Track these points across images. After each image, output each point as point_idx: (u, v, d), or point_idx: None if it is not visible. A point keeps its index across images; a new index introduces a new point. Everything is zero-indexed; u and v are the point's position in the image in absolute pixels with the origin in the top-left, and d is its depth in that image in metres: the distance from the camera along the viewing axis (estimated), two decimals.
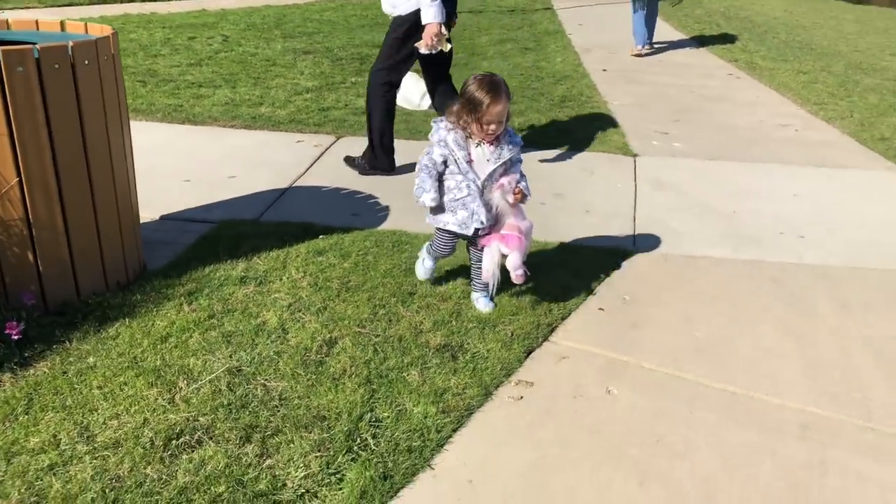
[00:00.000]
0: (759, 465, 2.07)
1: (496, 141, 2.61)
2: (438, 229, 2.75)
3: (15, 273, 2.53)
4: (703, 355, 2.59)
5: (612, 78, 7.12)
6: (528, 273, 2.66)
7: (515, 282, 2.68)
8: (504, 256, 2.60)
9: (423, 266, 2.93)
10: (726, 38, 9.68)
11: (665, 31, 10.31)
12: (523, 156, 2.80)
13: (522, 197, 2.62)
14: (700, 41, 9.39)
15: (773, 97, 6.56)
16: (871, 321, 2.85)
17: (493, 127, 2.54)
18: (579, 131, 5.24)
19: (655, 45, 8.58)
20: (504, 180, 2.61)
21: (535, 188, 4.05)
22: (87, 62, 2.54)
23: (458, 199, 2.63)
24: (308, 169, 4.38)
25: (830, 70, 7.81)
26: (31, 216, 2.51)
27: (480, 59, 7.84)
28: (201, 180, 4.08)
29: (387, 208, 3.83)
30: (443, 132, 2.62)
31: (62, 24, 2.93)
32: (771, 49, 9.10)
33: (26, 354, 2.36)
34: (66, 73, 2.47)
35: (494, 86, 2.51)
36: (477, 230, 2.65)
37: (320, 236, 3.38)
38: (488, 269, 2.63)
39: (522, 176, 2.70)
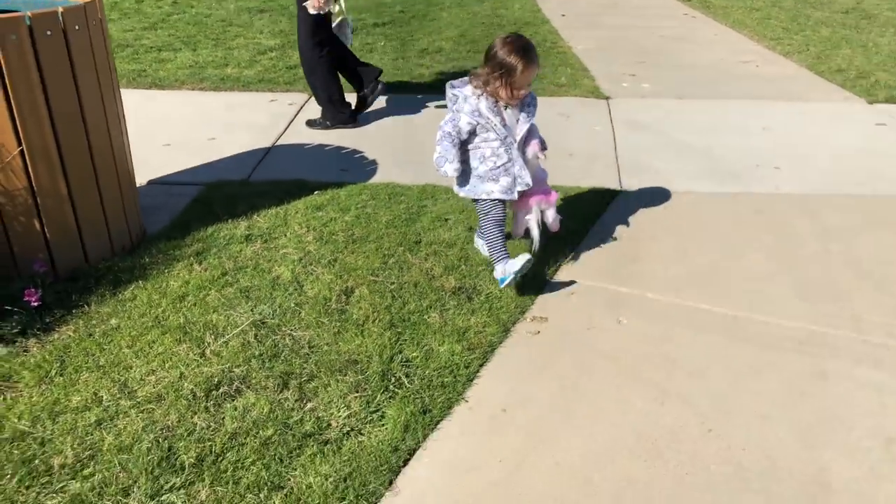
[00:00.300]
0: (767, 379, 2.25)
1: (513, 103, 2.54)
2: (481, 200, 2.62)
3: (23, 242, 2.52)
4: (701, 283, 2.75)
5: (572, 23, 7.18)
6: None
7: (554, 230, 2.76)
8: (542, 211, 2.67)
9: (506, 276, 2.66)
10: None
11: None
12: None
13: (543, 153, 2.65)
14: None
15: (730, 35, 6.73)
16: (852, 243, 3.05)
17: (523, 91, 2.49)
18: (549, 77, 5.32)
19: None
20: (534, 141, 2.62)
21: None
22: (77, 27, 2.50)
23: (499, 167, 2.55)
24: (287, 128, 4.37)
25: (781, 5, 8.01)
26: (34, 184, 2.50)
27: (438, 10, 7.78)
28: (181, 144, 4.04)
29: (374, 162, 3.87)
30: (473, 101, 2.49)
31: None
32: None
33: (47, 320, 2.38)
34: (58, 39, 2.44)
35: (527, 50, 2.42)
36: (519, 192, 2.61)
37: (315, 192, 3.42)
38: (535, 226, 2.67)
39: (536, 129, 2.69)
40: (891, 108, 4.74)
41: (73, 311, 2.45)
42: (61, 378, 2.14)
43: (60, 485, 1.77)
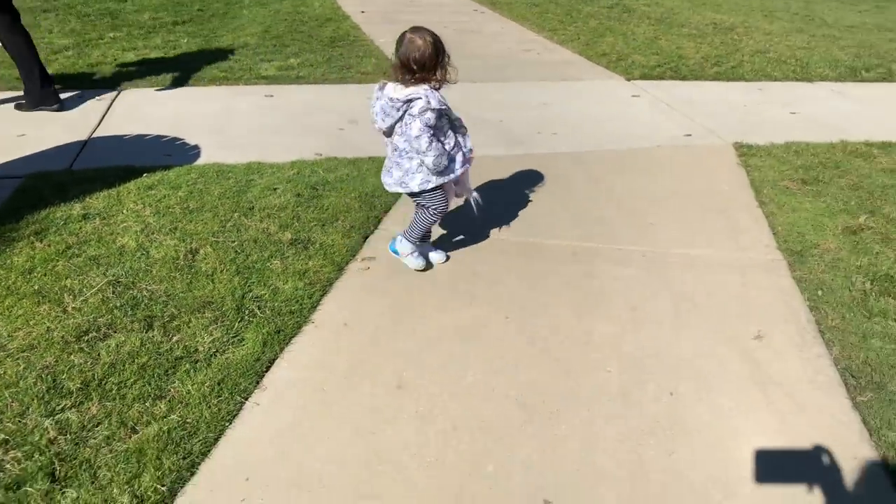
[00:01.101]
0: (550, 282, 2.95)
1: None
2: (432, 190, 2.80)
3: None
4: (499, 221, 3.42)
5: (371, 18, 7.81)
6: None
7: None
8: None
9: (418, 258, 2.99)
10: None
11: None
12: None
13: None
14: None
15: (514, 27, 7.70)
16: (612, 184, 3.90)
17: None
18: (356, 66, 5.89)
19: None
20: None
21: (332, 118, 4.68)
22: None
23: (454, 146, 2.79)
24: (101, 121, 4.55)
25: (557, 2, 9.20)
26: None
27: (238, 8, 8.08)
28: None
29: (196, 146, 4.19)
30: (437, 95, 2.65)
31: None
32: None
33: None
34: None
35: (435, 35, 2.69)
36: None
37: (143, 175, 3.71)
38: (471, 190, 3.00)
39: None
40: (644, 83, 5.82)
41: None
42: None
43: None
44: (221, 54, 6.12)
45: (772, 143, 4.52)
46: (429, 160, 2.69)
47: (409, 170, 2.75)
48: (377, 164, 3.98)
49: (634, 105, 5.28)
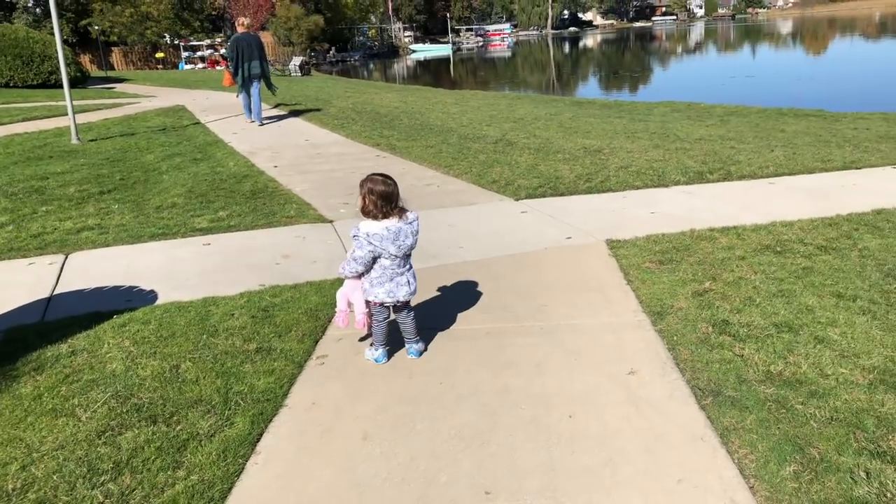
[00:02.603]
0: (472, 355, 3.79)
1: None
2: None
3: None
4: (423, 319, 4.27)
5: (284, 172, 8.84)
6: (338, 319, 3.83)
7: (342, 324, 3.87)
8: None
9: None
10: (364, 129, 12.15)
11: (312, 130, 12.50)
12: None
13: None
14: (346, 134, 11.69)
15: (414, 167, 8.88)
16: (511, 280, 4.85)
17: None
18: (280, 212, 6.80)
19: (313, 142, 10.60)
20: None
21: (267, 256, 5.50)
22: None
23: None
24: (58, 280, 5.21)
25: (448, 142, 10.58)
26: None
27: (158, 174, 8.95)
28: None
29: (152, 291, 4.90)
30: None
31: None
32: (401, 132, 11.76)
33: None
34: None
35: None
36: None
37: (113, 317, 4.39)
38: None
39: (351, 254, 3.61)
40: (530, 201, 6.98)
41: None
42: None
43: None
44: (154, 215, 6.91)
45: (636, 236, 5.64)
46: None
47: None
48: (313, 287, 4.82)
49: (523, 219, 6.38)
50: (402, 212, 3.56)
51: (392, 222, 3.50)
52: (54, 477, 2.76)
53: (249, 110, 13.24)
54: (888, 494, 2.58)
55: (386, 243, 3.48)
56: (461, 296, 4.63)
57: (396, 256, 3.55)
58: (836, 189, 7.03)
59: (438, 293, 4.69)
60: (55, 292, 4.98)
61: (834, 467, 2.73)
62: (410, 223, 3.57)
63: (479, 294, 4.65)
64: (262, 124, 13.15)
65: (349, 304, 3.74)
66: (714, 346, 3.75)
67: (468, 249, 5.57)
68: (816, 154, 8.97)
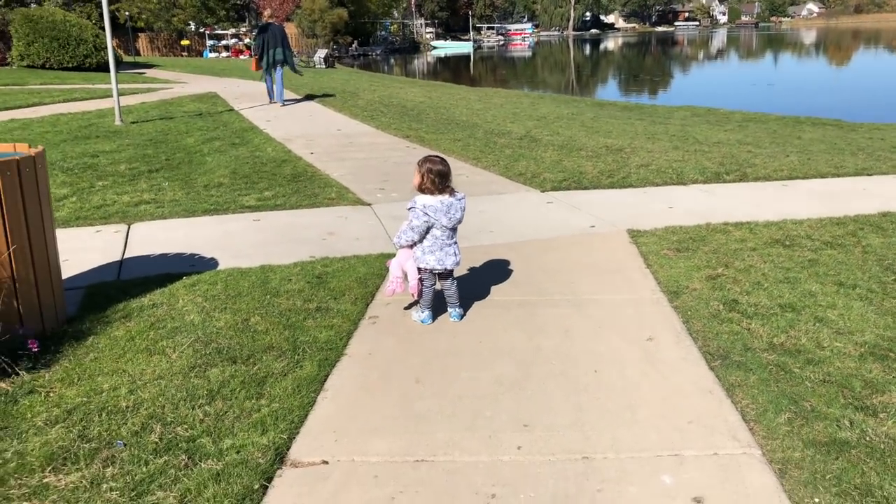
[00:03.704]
0: (506, 319, 4.27)
1: None
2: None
3: (4, 316, 3.74)
4: (462, 289, 4.76)
5: (321, 158, 9.35)
6: (399, 287, 4.28)
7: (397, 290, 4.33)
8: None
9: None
10: (393, 121, 12.66)
11: (343, 121, 13.02)
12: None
13: None
14: (376, 125, 12.20)
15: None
16: (540, 261, 5.34)
17: None
18: (321, 194, 7.31)
19: (345, 132, 11.12)
20: None
21: (314, 232, 5.99)
22: (28, 170, 3.90)
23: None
24: (125, 246, 5.74)
25: (475, 136, 11.06)
26: (15, 275, 3.77)
27: (201, 156, 9.49)
28: None
29: (212, 258, 5.42)
30: None
31: None
32: (429, 125, 12.26)
33: (46, 358, 3.63)
34: (30, 177, 3.84)
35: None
36: None
37: (182, 278, 4.90)
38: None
39: (406, 223, 4.16)
40: (555, 193, 7.46)
41: (59, 354, 3.71)
42: (85, 381, 3.44)
43: (126, 418, 3.14)
44: (203, 192, 7.44)
45: (655, 227, 6.11)
46: None
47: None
48: (359, 259, 5.33)
49: (549, 209, 6.86)
50: (452, 190, 4.06)
51: (445, 197, 3.99)
52: (159, 399, 3.27)
53: (271, 94, 15.00)
54: (867, 438, 3.04)
55: (439, 214, 3.98)
56: (494, 272, 5.12)
57: (447, 227, 4.04)
58: (846, 193, 7.46)
59: (473, 270, 5.18)
60: (125, 256, 5.51)
61: (822, 416, 3.20)
62: (459, 199, 4.07)
63: (511, 272, 5.14)
64: (284, 105, 14.78)
65: (403, 273, 4.23)
66: (724, 321, 4.22)
67: (498, 233, 6.05)
68: (830, 160, 9.38)
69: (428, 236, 4.11)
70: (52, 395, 3.31)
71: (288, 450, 2.98)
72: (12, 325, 3.75)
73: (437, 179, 4.01)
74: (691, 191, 7.62)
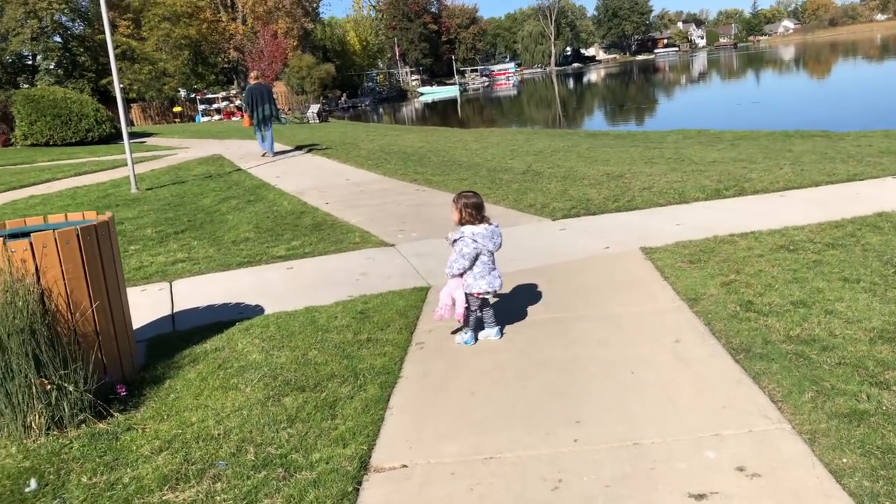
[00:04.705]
0: (542, 333, 4.67)
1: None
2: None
3: (91, 367, 4.13)
4: (500, 314, 5.16)
5: (336, 207, 9.81)
6: (447, 314, 4.64)
7: (445, 315, 4.73)
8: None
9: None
10: (398, 167, 13.18)
11: (349, 171, 13.53)
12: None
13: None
14: (382, 172, 12.71)
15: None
16: (563, 283, 5.75)
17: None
18: (345, 240, 7.75)
19: (354, 181, 11.62)
20: None
21: (346, 275, 6.40)
22: (105, 234, 4.34)
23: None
24: (172, 301, 6.14)
25: (479, 175, 11.56)
26: (98, 328, 4.17)
27: (221, 215, 9.94)
28: None
29: (257, 305, 5.82)
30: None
31: (45, 217, 4.61)
32: (433, 168, 12.77)
33: (133, 401, 4.01)
34: (106, 241, 4.27)
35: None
36: None
37: (236, 325, 5.30)
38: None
39: (458, 253, 4.53)
40: (566, 220, 7.91)
41: (143, 397, 4.09)
42: (174, 417, 3.82)
43: (220, 444, 3.51)
44: (233, 247, 7.88)
45: (665, 244, 6.54)
46: None
47: None
48: (395, 294, 5.73)
49: (563, 235, 7.30)
50: (488, 220, 4.50)
51: (485, 225, 4.43)
52: (245, 426, 3.65)
53: (262, 144, 16.61)
54: (884, 407, 3.43)
55: (486, 241, 4.41)
56: (523, 295, 5.53)
57: (492, 252, 4.47)
58: (841, 198, 7.91)
59: (503, 294, 5.59)
60: (175, 310, 5.92)
61: (842, 392, 3.58)
62: (496, 227, 4.51)
63: (539, 294, 5.55)
64: (275, 156, 16.32)
65: (452, 300, 4.62)
66: (742, 320, 4.62)
67: (520, 261, 6.48)
68: (822, 169, 9.86)
69: (477, 263, 4.53)
70: (147, 430, 3.69)
71: (369, 458, 3.36)
72: (98, 373, 4.14)
73: (474, 211, 4.44)
74: (694, 208, 8.07)
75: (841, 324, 4.43)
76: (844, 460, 3.06)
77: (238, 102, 41.47)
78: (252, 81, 16.91)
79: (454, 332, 4.85)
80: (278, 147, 17.41)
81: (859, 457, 3.07)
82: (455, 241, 4.53)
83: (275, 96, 17.82)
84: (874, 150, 11.54)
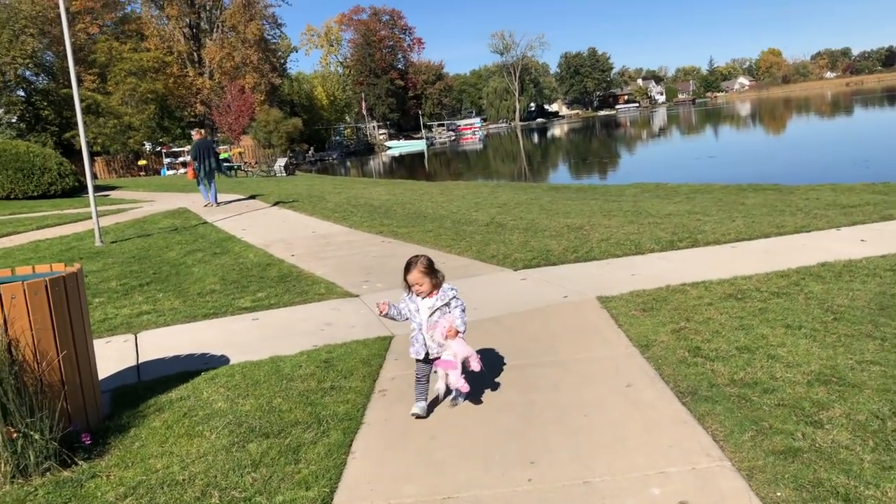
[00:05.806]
0: (503, 379, 4.84)
1: (430, 295, 4.40)
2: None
3: (56, 416, 4.20)
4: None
5: (302, 259, 9.97)
6: (467, 384, 4.38)
7: (463, 389, 4.48)
8: (447, 374, 4.54)
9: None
10: (364, 219, 13.40)
11: (316, 223, 13.72)
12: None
13: (455, 333, 4.24)
14: (348, 224, 12.92)
15: (419, 249, 10.06)
16: (522, 330, 5.96)
17: (415, 287, 4.39)
18: (311, 291, 7.89)
19: (320, 233, 11.78)
20: (442, 321, 4.32)
21: (309, 326, 6.53)
22: (72, 285, 4.46)
23: (412, 336, 4.43)
24: (137, 352, 6.22)
25: (444, 226, 11.82)
26: (64, 378, 4.26)
27: (186, 267, 10.03)
28: None
29: (223, 355, 5.93)
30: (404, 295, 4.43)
31: (12, 269, 4.71)
32: (399, 220, 13.02)
33: (98, 450, 4.08)
34: (74, 291, 4.39)
35: (407, 263, 4.40)
36: (427, 354, 4.37)
37: (201, 374, 5.40)
38: (439, 386, 4.48)
39: (462, 312, 4.37)
40: (527, 271, 8.16)
41: (107, 445, 4.17)
42: (139, 464, 3.90)
43: (185, 489, 3.61)
44: (199, 299, 7.97)
45: (621, 293, 6.80)
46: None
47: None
48: (359, 343, 5.89)
49: (524, 284, 7.53)
50: None
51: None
52: (210, 471, 3.75)
53: (206, 195, 18.32)
54: (816, 445, 3.66)
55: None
56: (484, 343, 5.72)
57: None
58: (788, 249, 8.30)
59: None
60: (140, 361, 5.99)
61: (779, 432, 3.81)
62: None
63: (499, 341, 5.74)
64: (219, 205, 18.02)
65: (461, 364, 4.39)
66: (690, 365, 4.86)
67: (482, 310, 6.68)
68: (772, 222, 10.31)
69: None
70: (112, 477, 3.77)
71: (332, 501, 3.48)
72: (64, 422, 4.20)
73: (439, 271, 4.61)
74: (650, 259, 8.39)
75: (782, 367, 4.69)
76: (779, 493, 3.26)
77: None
78: (196, 137, 18.64)
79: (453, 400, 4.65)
80: (238, 196, 18.82)
81: (792, 490, 3.28)
82: (452, 298, 4.49)
83: (218, 150, 20.84)
84: (821, 203, 12.07)
